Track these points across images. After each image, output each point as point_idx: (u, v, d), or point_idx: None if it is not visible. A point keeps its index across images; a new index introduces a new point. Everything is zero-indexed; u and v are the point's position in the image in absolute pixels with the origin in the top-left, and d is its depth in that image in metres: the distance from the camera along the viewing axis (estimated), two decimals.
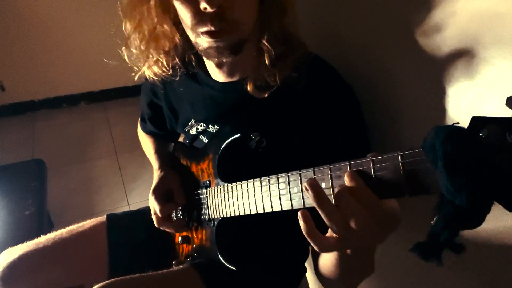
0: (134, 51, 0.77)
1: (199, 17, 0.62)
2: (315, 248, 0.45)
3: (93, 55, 2.48)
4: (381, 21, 0.76)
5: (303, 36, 0.73)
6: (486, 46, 0.55)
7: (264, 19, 0.68)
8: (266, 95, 0.70)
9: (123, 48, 0.77)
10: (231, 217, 0.72)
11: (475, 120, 0.29)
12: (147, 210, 0.95)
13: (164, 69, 0.79)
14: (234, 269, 0.75)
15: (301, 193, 0.50)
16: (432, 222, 0.33)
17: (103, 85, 2.81)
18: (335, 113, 0.69)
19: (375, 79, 0.80)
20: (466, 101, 0.60)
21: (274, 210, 0.57)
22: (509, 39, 0.51)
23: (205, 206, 0.83)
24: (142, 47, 0.75)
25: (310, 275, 1.04)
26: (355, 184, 0.41)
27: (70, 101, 2.79)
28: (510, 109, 0.28)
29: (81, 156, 2.40)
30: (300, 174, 0.51)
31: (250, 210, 0.64)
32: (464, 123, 0.31)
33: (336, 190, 0.43)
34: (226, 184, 0.72)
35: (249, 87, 0.71)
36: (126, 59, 0.78)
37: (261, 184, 0.60)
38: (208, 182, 0.82)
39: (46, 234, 0.94)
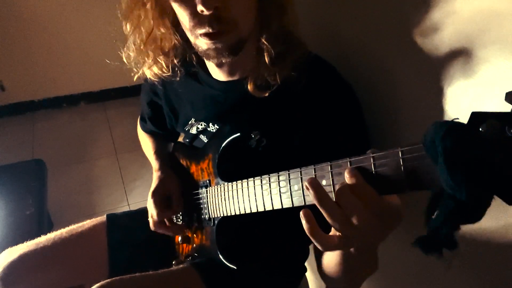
0: (132, 53, 0.77)
1: (197, 19, 0.62)
2: (319, 247, 0.44)
3: (93, 55, 2.48)
4: (381, 21, 0.76)
5: (303, 36, 0.73)
6: (486, 46, 0.55)
7: (263, 18, 0.68)
8: (267, 94, 0.71)
9: (123, 49, 0.77)
10: (231, 216, 0.72)
11: (474, 115, 0.30)
12: (147, 210, 0.95)
13: (164, 70, 0.79)
14: (235, 268, 0.75)
15: (301, 191, 0.50)
16: (432, 217, 0.33)
17: (103, 85, 2.81)
18: (335, 113, 0.69)
19: (375, 79, 0.80)
20: (465, 101, 0.60)
21: (274, 208, 0.57)
22: (509, 38, 0.51)
23: (205, 206, 0.83)
24: (141, 49, 0.75)
25: (310, 275, 1.04)
26: (355, 181, 0.41)
27: (70, 101, 2.79)
28: (509, 104, 0.28)
29: (81, 156, 2.40)
30: (300, 171, 0.51)
31: (250, 208, 0.64)
32: (464, 122, 0.31)
33: (336, 187, 0.43)
34: (226, 183, 0.73)
35: (249, 87, 0.71)
36: (125, 61, 0.78)
37: (261, 182, 0.60)
38: (208, 181, 0.82)
39: (46, 234, 0.94)
